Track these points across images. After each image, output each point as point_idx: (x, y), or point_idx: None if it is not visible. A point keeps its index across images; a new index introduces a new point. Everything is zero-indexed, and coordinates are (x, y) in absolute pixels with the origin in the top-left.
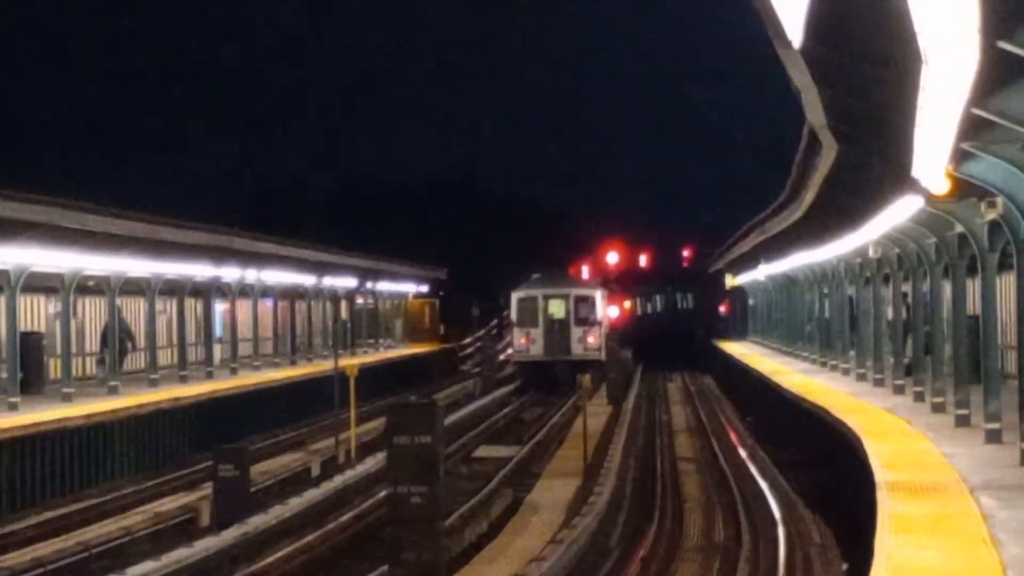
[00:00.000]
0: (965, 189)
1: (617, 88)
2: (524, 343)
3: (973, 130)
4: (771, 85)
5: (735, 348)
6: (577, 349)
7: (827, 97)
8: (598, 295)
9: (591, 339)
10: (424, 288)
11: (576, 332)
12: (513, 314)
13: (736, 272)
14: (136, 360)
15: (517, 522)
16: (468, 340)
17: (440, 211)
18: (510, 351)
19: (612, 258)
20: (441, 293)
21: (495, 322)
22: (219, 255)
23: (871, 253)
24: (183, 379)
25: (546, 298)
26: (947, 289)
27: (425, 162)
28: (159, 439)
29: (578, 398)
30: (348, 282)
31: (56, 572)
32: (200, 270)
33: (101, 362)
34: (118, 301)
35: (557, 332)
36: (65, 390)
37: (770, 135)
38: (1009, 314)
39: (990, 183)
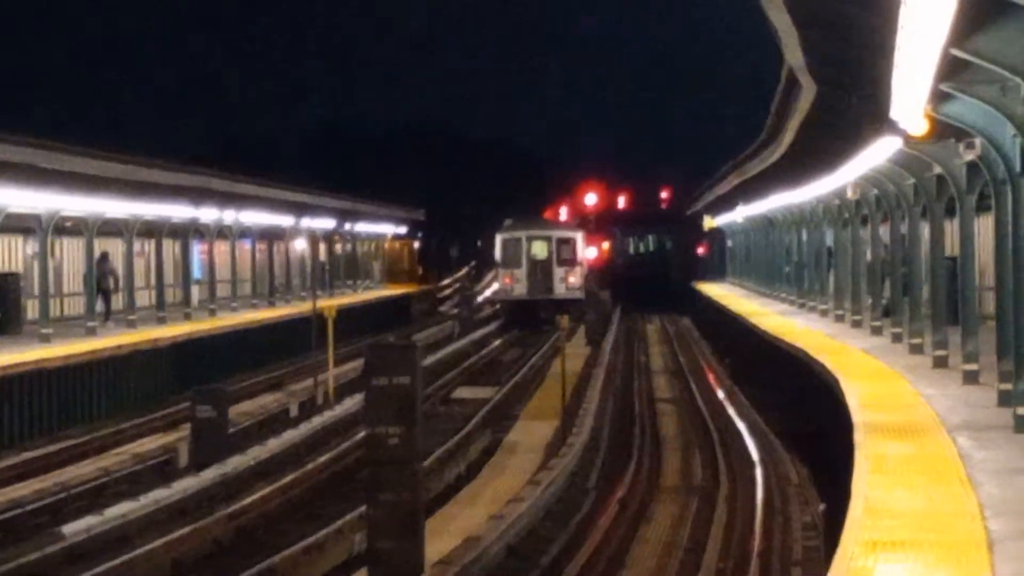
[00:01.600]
0: (943, 130)
1: (596, 29)
2: (508, 283)
3: (951, 71)
4: (751, 25)
5: (713, 290)
6: (559, 288)
7: (806, 38)
8: (579, 237)
9: (572, 279)
10: (402, 229)
11: (558, 272)
12: (497, 255)
13: (714, 214)
14: (115, 301)
15: (495, 463)
16: (446, 281)
17: (418, 152)
18: (488, 292)
19: (590, 199)
20: (419, 234)
21: (472, 263)
22: (198, 196)
23: (850, 194)
24: (161, 320)
25: (529, 240)
26: (925, 230)
27: (401, 105)
28: (137, 380)
29: (556, 339)
30: (327, 223)
31: (35, 512)
32: (179, 211)
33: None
34: (97, 243)
35: (540, 272)
36: (43, 331)
37: (750, 76)
38: (987, 255)
39: (968, 124)
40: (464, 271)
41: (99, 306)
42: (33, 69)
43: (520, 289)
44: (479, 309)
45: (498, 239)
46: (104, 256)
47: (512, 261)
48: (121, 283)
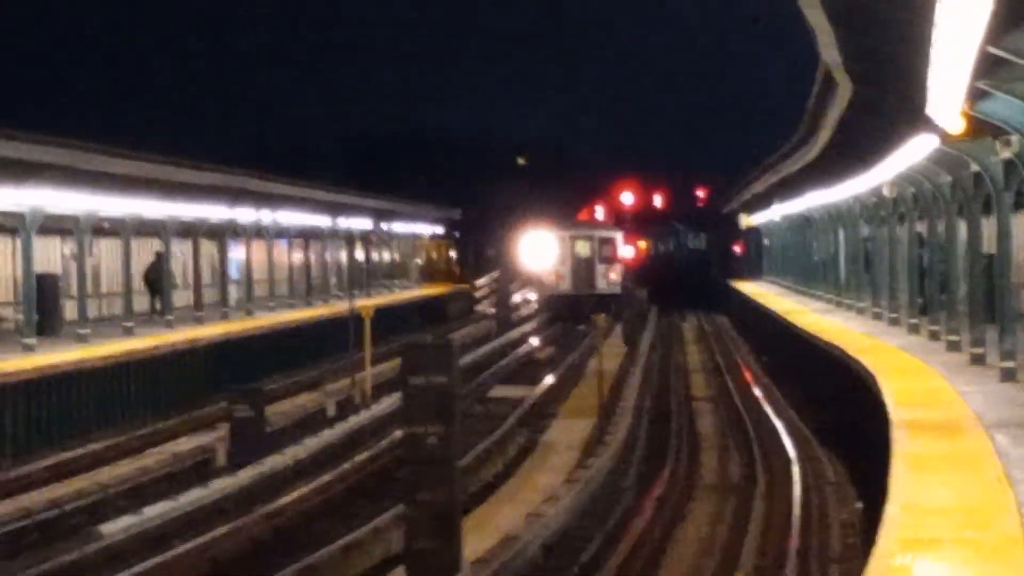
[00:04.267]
0: (980, 128)
1: (633, 30)
2: (554, 279)
3: (988, 68)
4: (787, 25)
5: (750, 288)
6: (601, 284)
7: (842, 36)
8: (619, 236)
9: (612, 275)
10: (439, 229)
11: (600, 269)
12: (544, 253)
13: (751, 212)
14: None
15: (532, 462)
16: (483, 280)
17: (452, 155)
18: (523, 290)
19: (627, 199)
20: (456, 234)
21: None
22: (234, 196)
23: (886, 192)
24: (199, 320)
25: (573, 239)
26: (962, 228)
27: (437, 110)
28: (175, 380)
29: (593, 338)
30: (363, 223)
31: (73, 512)
32: (215, 211)
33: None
34: (138, 243)
35: (583, 269)
36: (80, 331)
37: (786, 75)
38: None
39: (1005, 121)
40: (500, 270)
41: (152, 304)
42: (72, 71)
43: (565, 285)
44: (516, 308)
45: (546, 239)
46: (159, 256)
47: (558, 259)
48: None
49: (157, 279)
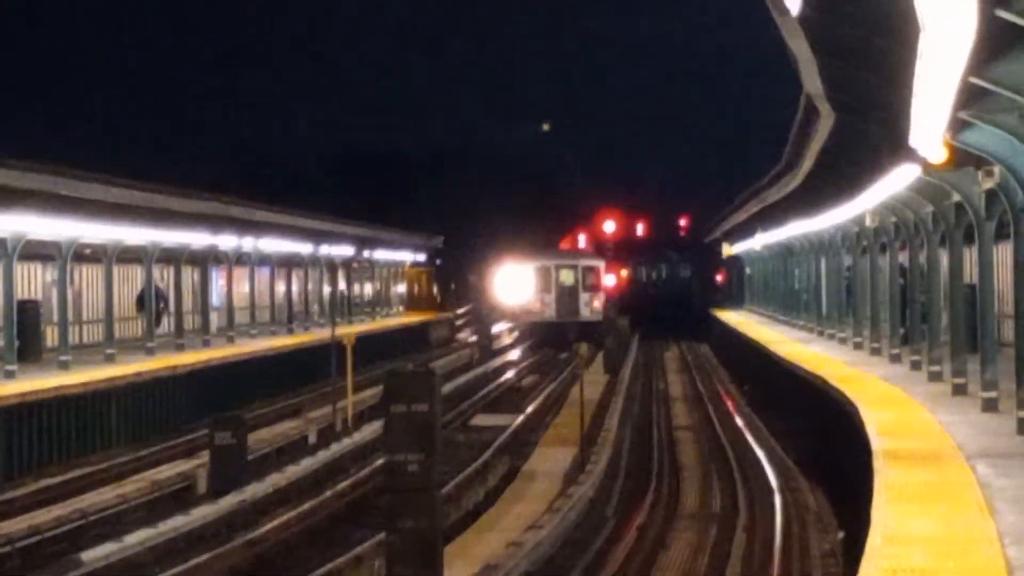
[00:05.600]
0: (962, 158)
1: (614, 57)
2: (539, 307)
3: (971, 99)
4: (769, 53)
5: (732, 317)
6: (584, 312)
7: (824, 65)
8: (601, 265)
9: (596, 303)
10: (421, 256)
11: (584, 297)
12: (530, 282)
13: (733, 241)
14: (133, 328)
15: (514, 490)
16: (464, 309)
17: (433, 181)
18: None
19: (609, 227)
20: (437, 262)
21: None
22: (217, 223)
23: (868, 222)
24: (179, 347)
25: (558, 268)
26: (944, 258)
27: (415, 133)
28: (156, 407)
29: (575, 367)
30: (345, 250)
31: (53, 540)
32: (197, 238)
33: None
34: (117, 269)
35: (567, 297)
36: (62, 358)
37: (768, 104)
38: (1006, 283)
39: (987, 152)
40: (481, 298)
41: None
42: (53, 90)
43: (550, 312)
44: (497, 337)
45: (531, 267)
46: (155, 283)
47: (543, 287)
48: (171, 306)
49: (154, 302)
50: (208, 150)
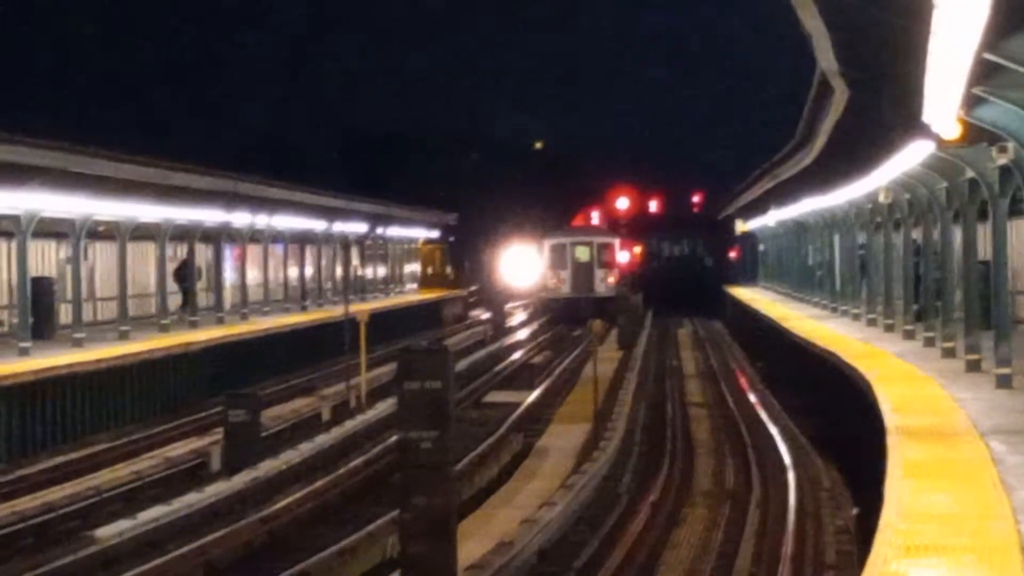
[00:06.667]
0: (976, 134)
1: (627, 32)
2: (555, 283)
3: (984, 75)
4: (784, 30)
5: (745, 294)
6: (599, 288)
7: (838, 42)
8: (616, 242)
9: (610, 279)
10: (435, 233)
11: (599, 273)
12: (545, 258)
13: (746, 218)
14: (147, 305)
15: (527, 467)
16: (478, 286)
17: (447, 158)
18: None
19: (623, 204)
20: (451, 239)
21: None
22: (230, 200)
23: (882, 198)
24: (193, 324)
25: (573, 245)
26: (958, 234)
27: (429, 110)
28: (170, 384)
29: (588, 343)
30: (359, 227)
31: (67, 517)
32: (211, 215)
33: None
34: (131, 246)
35: (583, 273)
36: (76, 335)
37: (782, 81)
38: (1019, 259)
39: (1001, 128)
40: (495, 275)
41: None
42: (68, 71)
43: (566, 288)
44: (510, 314)
45: (545, 244)
46: (187, 257)
47: (558, 263)
48: (205, 281)
49: (186, 277)
50: (224, 134)
